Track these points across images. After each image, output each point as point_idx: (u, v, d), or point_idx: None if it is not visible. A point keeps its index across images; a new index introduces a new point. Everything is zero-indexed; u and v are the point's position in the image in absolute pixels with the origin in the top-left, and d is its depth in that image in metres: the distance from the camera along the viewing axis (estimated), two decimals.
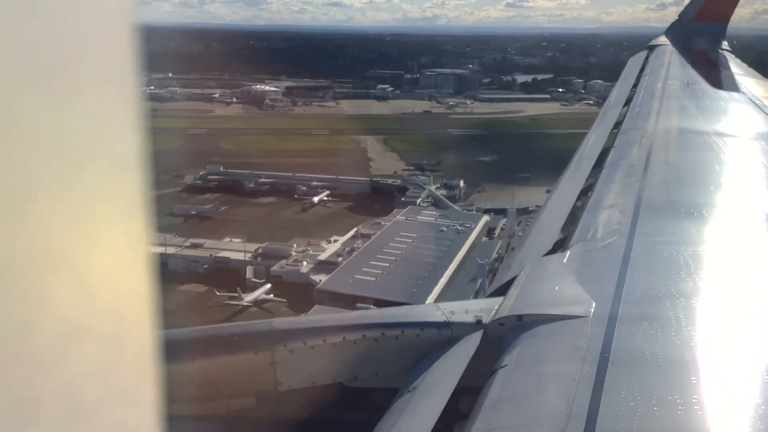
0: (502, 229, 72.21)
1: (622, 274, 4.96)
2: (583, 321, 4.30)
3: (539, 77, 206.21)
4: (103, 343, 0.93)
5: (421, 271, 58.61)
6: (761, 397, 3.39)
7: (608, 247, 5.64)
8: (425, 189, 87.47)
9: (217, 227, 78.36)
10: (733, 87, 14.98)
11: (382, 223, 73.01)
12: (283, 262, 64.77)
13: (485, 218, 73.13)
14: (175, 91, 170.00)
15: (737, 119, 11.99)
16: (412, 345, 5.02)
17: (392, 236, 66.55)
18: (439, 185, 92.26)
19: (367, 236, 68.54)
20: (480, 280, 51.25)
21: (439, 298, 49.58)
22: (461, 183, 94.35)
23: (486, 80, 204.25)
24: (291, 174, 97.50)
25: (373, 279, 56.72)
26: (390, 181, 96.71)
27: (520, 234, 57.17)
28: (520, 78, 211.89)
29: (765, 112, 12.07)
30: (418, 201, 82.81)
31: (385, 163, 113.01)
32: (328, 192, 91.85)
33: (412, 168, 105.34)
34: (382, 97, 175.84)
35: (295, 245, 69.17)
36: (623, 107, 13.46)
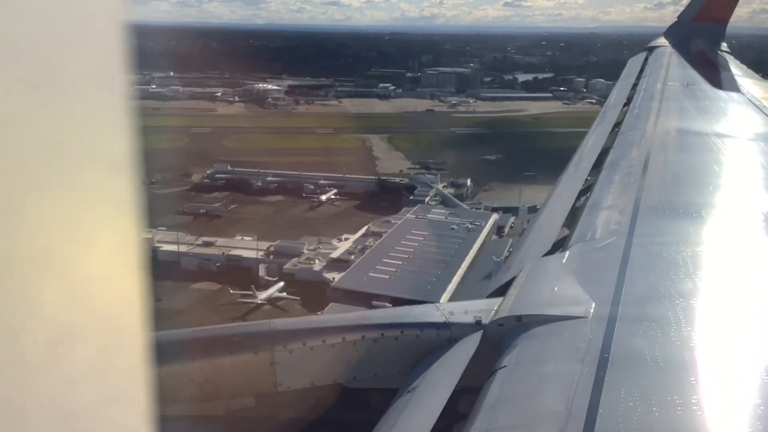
0: (511, 227, 72.52)
1: (622, 275, 4.96)
2: (583, 321, 4.30)
3: (540, 76, 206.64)
4: (94, 346, 0.92)
5: (434, 269, 58.90)
6: (760, 398, 3.38)
7: (607, 248, 5.64)
8: (433, 188, 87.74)
9: (226, 225, 78.55)
10: (733, 88, 15.07)
11: (392, 221, 73.24)
12: (296, 260, 64.96)
13: (494, 216, 73.45)
14: (177, 89, 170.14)
15: (737, 120, 12.00)
16: (411, 345, 5.02)
17: (403, 234, 66.83)
18: (446, 184, 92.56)
19: (378, 234, 68.78)
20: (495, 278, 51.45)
21: (454, 296, 49.82)
22: (468, 182, 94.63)
23: (487, 79, 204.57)
24: (298, 173, 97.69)
25: (387, 277, 56.99)
26: (397, 179, 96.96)
27: None
28: (521, 77, 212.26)
29: (764, 113, 12.14)
30: (427, 199, 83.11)
31: (390, 161, 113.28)
32: (335, 190, 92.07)
33: (417, 167, 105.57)
34: (385, 96, 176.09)
35: (306, 243, 69.38)
36: (623, 108, 13.53)
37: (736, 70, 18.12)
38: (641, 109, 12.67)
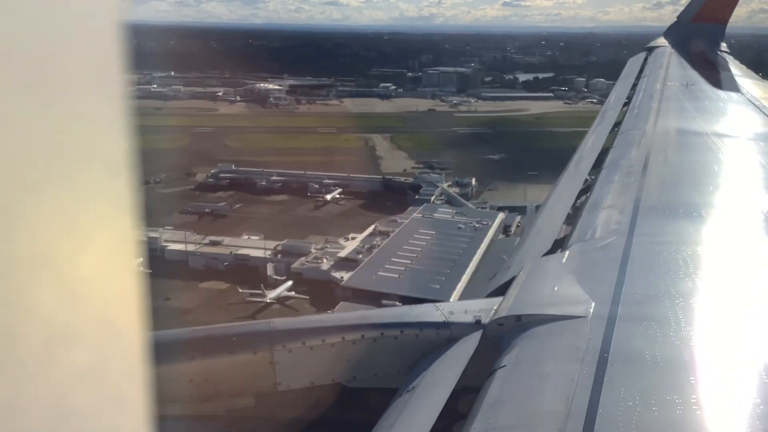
0: (517, 226, 72.56)
1: (621, 275, 4.95)
2: (582, 321, 4.29)
3: (540, 76, 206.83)
4: (92, 347, 0.92)
5: (443, 267, 58.94)
6: (759, 397, 3.38)
7: (607, 248, 5.64)
8: (438, 187, 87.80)
9: (231, 225, 78.52)
10: (732, 88, 15.11)
11: (398, 220, 73.25)
12: (303, 259, 64.98)
13: (501, 216, 73.46)
14: (179, 89, 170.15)
15: (736, 120, 12.02)
16: (411, 345, 5.01)
17: (411, 233, 66.82)
18: (450, 183, 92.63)
19: (385, 233, 68.77)
20: None
21: (463, 295, 49.90)
22: (473, 181, 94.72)
23: (488, 79, 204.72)
24: (302, 172, 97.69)
25: (397, 276, 56.98)
26: (402, 179, 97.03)
27: None
28: (522, 76, 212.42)
29: (764, 113, 12.15)
30: (432, 199, 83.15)
31: (393, 161, 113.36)
32: (340, 190, 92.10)
33: (421, 166, 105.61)
34: (386, 96, 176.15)
35: (313, 243, 69.40)
36: (622, 108, 13.54)
37: (736, 70, 18.17)
38: (641, 109, 12.68)
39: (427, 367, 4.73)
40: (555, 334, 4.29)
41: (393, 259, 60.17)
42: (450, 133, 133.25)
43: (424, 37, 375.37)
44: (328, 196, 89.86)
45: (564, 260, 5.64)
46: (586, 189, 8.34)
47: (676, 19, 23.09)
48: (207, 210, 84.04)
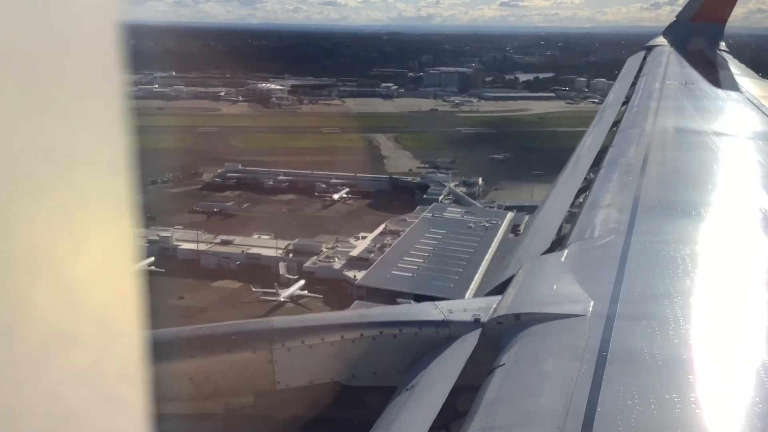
0: (526, 225, 72.97)
1: (620, 273, 4.94)
2: (581, 320, 4.28)
3: (541, 76, 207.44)
4: (90, 348, 0.92)
5: (455, 266, 59.37)
6: (758, 395, 3.38)
7: (606, 246, 5.62)
8: (446, 186, 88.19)
9: (241, 224, 78.81)
10: (732, 87, 15.01)
11: (407, 219, 73.66)
12: (315, 258, 65.29)
13: (510, 215, 73.91)
14: (181, 89, 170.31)
15: (735, 119, 11.93)
16: (410, 344, 5.00)
17: (422, 232, 67.25)
18: (457, 183, 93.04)
19: (395, 233, 69.17)
20: None
21: (477, 294, 50.24)
22: (480, 180, 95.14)
23: (488, 79, 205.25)
24: (309, 171, 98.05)
25: (410, 274, 57.38)
26: (409, 178, 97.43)
27: None
28: (522, 76, 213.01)
29: (763, 112, 12.13)
30: (440, 198, 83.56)
31: (398, 160, 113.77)
32: (347, 189, 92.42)
33: (426, 166, 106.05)
34: (387, 96, 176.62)
35: (323, 242, 69.72)
36: (621, 106, 13.47)
37: (735, 69, 18.11)
38: (640, 108, 12.61)
39: (426, 366, 4.72)
40: (554, 332, 4.27)
41: (406, 258, 60.61)
42: (453, 133, 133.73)
43: (423, 37, 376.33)
44: (336, 196, 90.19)
45: (563, 259, 5.60)
46: (585, 188, 8.30)
47: (675, 18, 23.11)
48: (215, 209, 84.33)
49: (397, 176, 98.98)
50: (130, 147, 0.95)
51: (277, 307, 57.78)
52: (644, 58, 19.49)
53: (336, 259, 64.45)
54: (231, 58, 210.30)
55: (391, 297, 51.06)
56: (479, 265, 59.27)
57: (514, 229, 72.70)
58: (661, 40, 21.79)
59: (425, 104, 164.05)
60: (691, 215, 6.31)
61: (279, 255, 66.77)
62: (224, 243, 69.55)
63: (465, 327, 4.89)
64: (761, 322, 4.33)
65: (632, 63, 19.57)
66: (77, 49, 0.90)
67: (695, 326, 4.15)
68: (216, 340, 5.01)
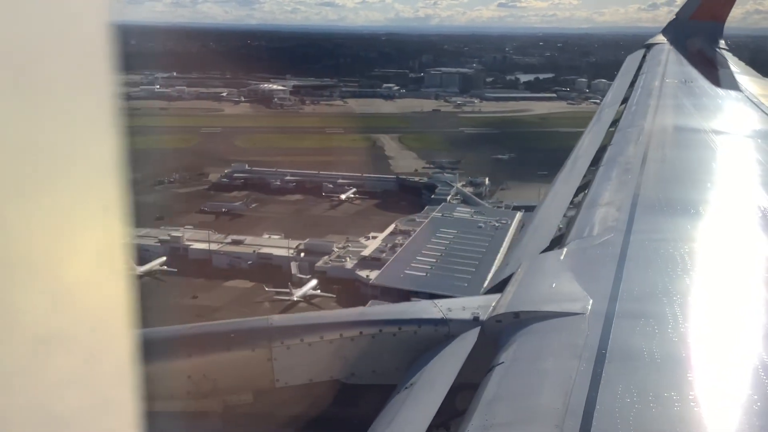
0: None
1: (619, 271, 4.95)
2: (580, 318, 4.29)
3: (541, 76, 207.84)
4: (81, 350, 0.90)
5: (468, 266, 59.58)
6: (757, 393, 3.38)
7: (605, 245, 5.62)
8: (453, 186, 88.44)
9: (249, 224, 78.95)
10: (731, 85, 14.98)
11: (417, 219, 73.87)
12: (327, 258, 65.47)
13: (519, 215, 74.10)
14: (183, 89, 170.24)
15: (735, 117, 11.93)
16: (409, 342, 5.00)
17: (433, 232, 67.49)
18: (464, 183, 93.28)
19: (406, 232, 69.37)
20: None
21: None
22: (486, 180, 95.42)
23: (489, 79, 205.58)
24: (316, 172, 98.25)
25: (424, 274, 57.62)
26: (416, 178, 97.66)
27: None
28: (523, 77, 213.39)
29: (762, 110, 12.09)
30: (449, 198, 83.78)
31: (403, 161, 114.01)
32: (354, 189, 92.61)
33: (432, 166, 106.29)
34: (389, 96, 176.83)
35: (334, 242, 69.91)
36: (620, 105, 13.45)
37: (735, 67, 18.11)
38: (639, 106, 12.60)
39: (425, 364, 4.71)
40: (553, 330, 4.28)
41: (418, 258, 60.79)
42: (457, 134, 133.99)
43: (421, 37, 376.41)
44: (343, 196, 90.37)
45: (562, 257, 5.61)
46: (584, 186, 8.31)
47: (674, 16, 23.14)
48: (223, 209, 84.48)
49: (404, 176, 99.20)
50: (121, 147, 0.93)
51: (291, 307, 57.92)
52: (644, 57, 19.46)
53: (348, 259, 64.62)
54: (231, 58, 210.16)
55: (405, 296, 51.13)
56: (492, 264, 59.40)
57: (523, 228, 72.90)
58: (661, 38, 21.74)
59: (427, 105, 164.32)
60: (690, 213, 6.35)
61: (290, 255, 66.91)
62: (235, 243, 69.68)
63: (464, 325, 4.89)
64: (760, 320, 4.34)
65: (631, 61, 19.52)
66: (69, 51, 0.89)
67: (694, 324, 4.19)
68: (215, 338, 5.02)
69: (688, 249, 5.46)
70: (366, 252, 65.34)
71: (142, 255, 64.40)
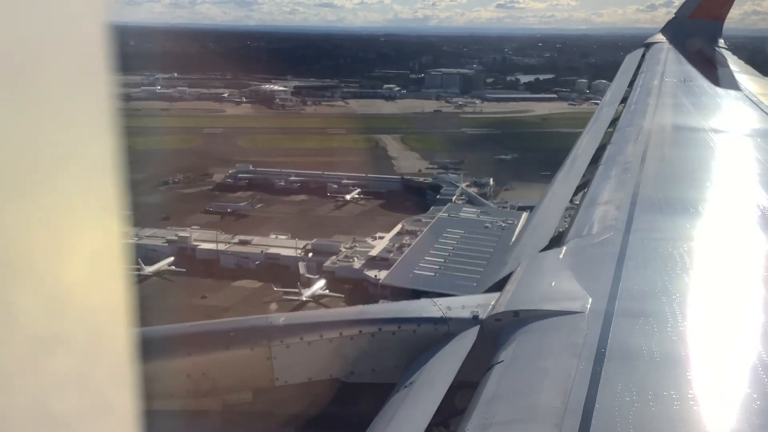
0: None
1: (618, 270, 4.95)
2: (580, 317, 4.29)
3: (541, 77, 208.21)
4: (79, 350, 0.90)
5: (476, 266, 59.66)
6: (756, 392, 3.38)
7: (604, 243, 5.63)
8: (458, 187, 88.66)
9: (255, 224, 79.04)
10: (730, 84, 15.03)
11: (423, 219, 74.03)
12: (334, 258, 65.60)
13: (525, 215, 74.27)
14: (184, 90, 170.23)
15: (734, 116, 11.98)
16: (408, 340, 5.01)
17: (440, 232, 67.61)
18: (469, 183, 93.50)
19: (412, 232, 69.48)
20: None
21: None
22: (491, 181, 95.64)
23: (489, 80, 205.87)
24: (320, 172, 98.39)
25: (433, 274, 57.73)
26: (421, 179, 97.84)
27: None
28: (523, 78, 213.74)
29: (762, 109, 12.13)
30: (454, 199, 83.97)
31: (407, 161, 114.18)
32: (359, 190, 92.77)
33: (435, 166, 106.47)
34: (390, 97, 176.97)
35: (341, 242, 70.06)
36: (620, 104, 13.51)
37: (734, 66, 18.19)
38: (638, 105, 12.63)
39: (424, 363, 4.72)
40: (552, 329, 4.29)
41: (426, 258, 60.92)
42: (459, 134, 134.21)
43: (420, 38, 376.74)
44: (348, 196, 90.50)
45: (561, 256, 5.63)
46: (584, 185, 8.33)
47: (673, 16, 23.33)
48: (229, 210, 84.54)
49: (408, 177, 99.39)
50: (120, 148, 0.93)
51: (300, 307, 57.94)
52: (643, 56, 19.53)
53: (355, 259, 64.75)
54: (231, 59, 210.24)
55: (414, 296, 51.08)
56: None
57: (522, 227, 73.07)
58: (660, 37, 21.86)
59: (428, 105, 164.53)
60: (690, 212, 6.37)
61: (298, 255, 67.02)
62: (242, 243, 69.78)
63: (463, 324, 4.90)
64: (758, 319, 4.35)
65: (631, 60, 19.59)
66: (68, 51, 0.89)
67: (693, 323, 4.20)
68: (214, 337, 5.04)
69: (687, 248, 5.51)
70: (374, 252, 65.45)
71: (150, 255, 64.54)
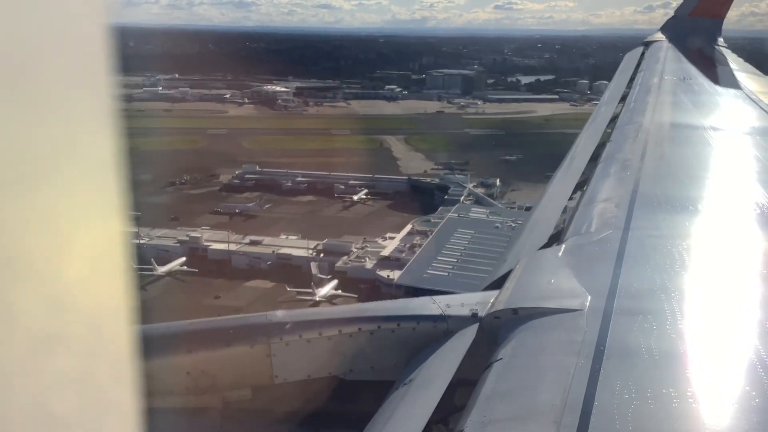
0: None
1: (617, 268, 4.95)
2: (579, 314, 4.30)
3: (542, 78, 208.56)
4: (81, 350, 0.90)
5: (488, 266, 59.84)
6: (754, 389, 3.39)
7: (603, 241, 5.63)
8: (465, 188, 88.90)
9: (264, 225, 79.19)
10: (730, 82, 15.02)
11: (432, 220, 74.22)
12: (346, 258, 65.81)
13: None
14: (186, 91, 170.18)
15: (733, 114, 12.00)
16: (408, 338, 5.03)
17: (451, 232, 67.70)
18: (475, 184, 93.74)
19: (423, 233, 69.69)
20: None
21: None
22: (497, 182, 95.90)
23: (490, 81, 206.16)
24: (327, 173, 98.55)
25: (446, 274, 57.92)
26: (428, 179, 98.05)
27: None
28: (523, 79, 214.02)
29: (761, 107, 12.14)
30: (462, 199, 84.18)
31: (412, 162, 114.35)
32: (366, 190, 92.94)
33: (441, 167, 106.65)
34: (392, 98, 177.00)
35: (351, 242, 70.26)
36: (619, 102, 13.60)
37: (734, 64, 18.26)
38: (638, 103, 12.67)
39: (424, 360, 4.74)
40: (551, 327, 4.29)
41: (439, 258, 61.14)
42: (462, 135, 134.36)
43: (418, 39, 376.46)
44: (355, 197, 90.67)
45: (560, 254, 5.62)
46: (583, 183, 8.33)
47: (673, 14, 23.38)
48: (237, 210, 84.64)
49: (416, 177, 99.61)
50: (120, 148, 0.93)
51: (313, 306, 58.24)
52: (642, 54, 19.58)
53: (367, 259, 64.97)
54: (231, 60, 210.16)
55: (429, 296, 51.50)
56: None
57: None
58: (659, 35, 21.90)
59: (430, 106, 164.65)
60: (689, 210, 6.39)
61: (309, 255, 67.19)
62: (254, 243, 69.93)
63: (463, 321, 4.93)
64: (757, 316, 4.37)
65: (630, 58, 19.64)
66: (68, 52, 0.89)
67: (691, 321, 4.21)
68: (214, 335, 5.06)
69: (686, 246, 5.55)
70: (385, 252, 65.68)
71: (162, 255, 64.71)
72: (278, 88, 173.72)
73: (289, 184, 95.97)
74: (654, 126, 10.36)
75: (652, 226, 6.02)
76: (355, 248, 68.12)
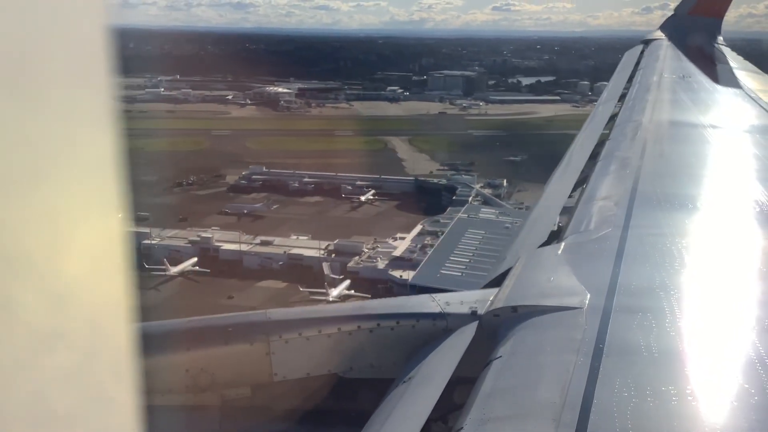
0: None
1: (617, 266, 4.96)
2: (578, 312, 4.30)
3: (542, 79, 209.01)
4: (79, 347, 0.91)
5: None
6: (753, 387, 3.40)
7: (603, 239, 5.63)
8: (473, 188, 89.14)
9: (273, 225, 79.29)
10: (729, 80, 15.03)
11: (441, 220, 74.45)
12: (358, 258, 65.99)
13: None
14: (188, 92, 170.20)
15: (733, 112, 12.05)
16: (407, 336, 5.04)
17: (461, 233, 67.99)
18: (483, 184, 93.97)
19: (433, 233, 69.94)
20: None
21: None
22: (504, 182, 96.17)
23: (491, 82, 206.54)
24: (334, 173, 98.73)
25: (459, 274, 58.13)
26: (436, 180, 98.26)
27: None
28: (524, 80, 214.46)
29: (761, 106, 12.15)
30: (470, 200, 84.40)
31: (417, 163, 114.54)
32: (373, 191, 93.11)
33: (446, 168, 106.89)
34: (394, 99, 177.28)
35: (363, 242, 70.43)
36: (619, 100, 13.64)
37: (733, 62, 18.32)
38: (637, 101, 12.69)
39: (423, 358, 4.75)
40: (551, 325, 4.29)
41: (452, 258, 61.36)
42: (466, 136, 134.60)
43: (417, 41, 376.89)
44: (363, 198, 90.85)
45: (560, 252, 5.62)
46: (582, 181, 8.33)
47: (673, 12, 23.55)
48: (245, 211, 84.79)
49: (423, 178, 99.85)
50: (120, 147, 0.94)
51: None
52: (642, 52, 19.61)
53: (379, 259, 65.16)
54: (231, 61, 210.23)
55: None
56: None
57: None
58: (659, 33, 21.99)
59: (432, 107, 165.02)
60: (688, 208, 6.40)
61: (321, 255, 67.35)
62: (264, 244, 70.07)
63: (462, 319, 4.94)
64: (756, 314, 4.37)
65: (630, 57, 19.67)
66: (68, 53, 0.89)
67: (691, 319, 4.22)
68: (213, 332, 5.06)
69: (686, 244, 5.56)
70: (397, 252, 65.88)
71: (173, 256, 64.82)
72: (280, 90, 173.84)
73: (297, 185, 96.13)
74: (653, 124, 10.37)
75: (651, 224, 6.03)
76: (367, 248, 68.27)
